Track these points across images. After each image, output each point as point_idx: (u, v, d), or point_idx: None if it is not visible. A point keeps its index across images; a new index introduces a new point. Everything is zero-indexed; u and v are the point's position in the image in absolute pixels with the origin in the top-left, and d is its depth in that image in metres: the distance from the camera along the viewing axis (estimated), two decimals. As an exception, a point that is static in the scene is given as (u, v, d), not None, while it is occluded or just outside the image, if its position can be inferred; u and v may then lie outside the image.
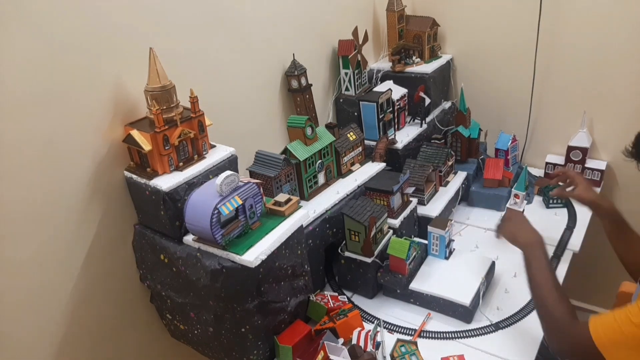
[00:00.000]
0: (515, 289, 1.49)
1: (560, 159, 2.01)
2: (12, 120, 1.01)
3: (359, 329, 1.29)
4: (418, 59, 2.03)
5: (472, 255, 1.56)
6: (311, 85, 1.71)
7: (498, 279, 1.54)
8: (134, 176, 1.22)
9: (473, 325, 1.39)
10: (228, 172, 1.09)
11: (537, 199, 1.92)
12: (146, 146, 1.16)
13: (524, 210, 1.67)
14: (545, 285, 1.18)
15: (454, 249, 1.57)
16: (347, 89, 1.90)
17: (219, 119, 1.33)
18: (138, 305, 1.39)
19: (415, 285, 1.46)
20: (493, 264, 1.52)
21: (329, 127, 1.61)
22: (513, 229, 1.36)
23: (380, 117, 1.76)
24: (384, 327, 1.40)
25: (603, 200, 1.44)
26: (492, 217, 1.80)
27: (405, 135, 1.87)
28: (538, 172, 2.08)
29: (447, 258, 1.54)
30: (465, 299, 1.38)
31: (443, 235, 1.51)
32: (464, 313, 1.39)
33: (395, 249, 1.45)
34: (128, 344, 1.38)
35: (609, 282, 1.60)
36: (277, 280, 1.21)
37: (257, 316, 1.17)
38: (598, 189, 1.93)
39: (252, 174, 1.42)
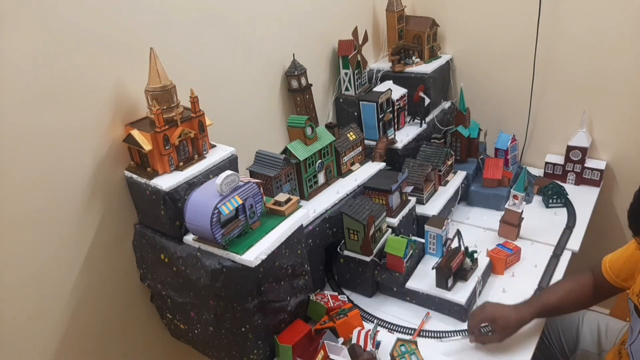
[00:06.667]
0: (512, 289, 1.49)
1: (559, 159, 2.01)
2: (12, 119, 1.01)
3: (358, 328, 1.29)
4: (418, 59, 2.03)
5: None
6: (311, 85, 1.72)
7: (495, 278, 1.54)
8: (134, 176, 1.22)
9: (472, 325, 1.39)
10: (228, 172, 1.09)
11: (537, 199, 1.92)
12: (146, 146, 1.16)
13: (522, 211, 1.67)
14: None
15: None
16: (347, 89, 1.90)
17: (219, 119, 1.33)
18: (138, 305, 1.39)
19: (412, 283, 1.46)
20: (490, 263, 1.53)
21: (329, 127, 1.62)
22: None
23: (380, 117, 1.76)
24: (384, 327, 1.41)
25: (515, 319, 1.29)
26: (492, 217, 1.80)
27: (405, 135, 1.88)
28: (538, 171, 2.08)
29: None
30: (461, 298, 1.38)
31: (440, 234, 1.51)
32: (459, 312, 1.40)
33: (392, 247, 1.45)
34: (128, 343, 1.39)
35: (608, 282, 1.60)
36: (277, 280, 1.21)
37: (257, 316, 1.17)
38: (598, 189, 1.94)
39: (252, 174, 1.43)
